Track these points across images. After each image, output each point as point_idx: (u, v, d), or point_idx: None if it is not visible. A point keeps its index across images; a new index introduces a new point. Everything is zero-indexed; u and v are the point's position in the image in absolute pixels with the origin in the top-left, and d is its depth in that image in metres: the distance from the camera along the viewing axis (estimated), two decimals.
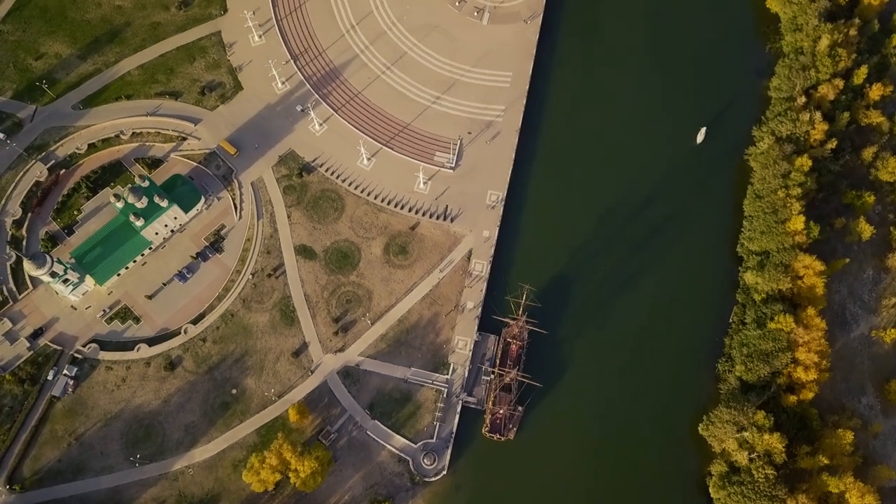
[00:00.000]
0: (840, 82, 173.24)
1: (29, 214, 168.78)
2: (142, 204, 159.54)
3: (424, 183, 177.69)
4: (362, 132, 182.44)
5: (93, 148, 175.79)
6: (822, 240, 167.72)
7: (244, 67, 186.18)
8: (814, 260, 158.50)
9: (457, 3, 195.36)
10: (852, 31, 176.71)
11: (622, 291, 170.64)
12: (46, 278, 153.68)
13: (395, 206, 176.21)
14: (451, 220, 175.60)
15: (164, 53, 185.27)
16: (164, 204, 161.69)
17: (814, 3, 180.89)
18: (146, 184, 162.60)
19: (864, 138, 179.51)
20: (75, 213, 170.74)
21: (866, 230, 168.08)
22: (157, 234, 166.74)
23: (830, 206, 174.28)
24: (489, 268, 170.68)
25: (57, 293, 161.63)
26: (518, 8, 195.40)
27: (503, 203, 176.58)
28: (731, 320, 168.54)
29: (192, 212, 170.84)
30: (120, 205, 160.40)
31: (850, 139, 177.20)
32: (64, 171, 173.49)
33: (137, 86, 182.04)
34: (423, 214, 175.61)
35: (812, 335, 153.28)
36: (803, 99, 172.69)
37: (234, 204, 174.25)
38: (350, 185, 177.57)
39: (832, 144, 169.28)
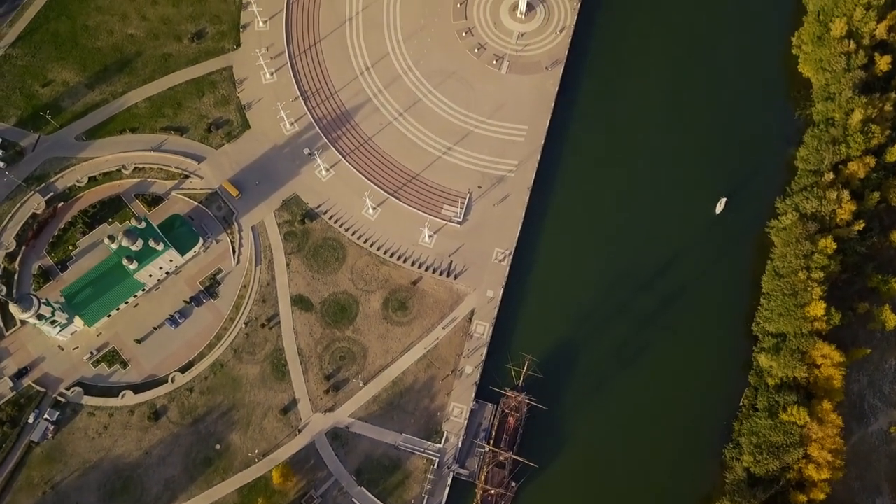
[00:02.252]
0: (871, 160, 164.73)
1: (23, 248, 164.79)
2: (136, 247, 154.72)
3: (430, 236, 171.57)
4: (370, 180, 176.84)
5: (93, 181, 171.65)
6: (844, 325, 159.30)
7: (253, 105, 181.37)
8: (833, 350, 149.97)
9: (476, 50, 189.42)
10: (887, 107, 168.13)
11: (628, 365, 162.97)
12: (33, 320, 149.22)
13: (398, 258, 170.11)
14: (455, 278, 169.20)
15: (173, 86, 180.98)
16: (159, 248, 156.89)
17: (848, 73, 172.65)
18: (143, 225, 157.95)
19: (893, 218, 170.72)
20: (70, 248, 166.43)
21: (891, 319, 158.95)
22: (151, 276, 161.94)
23: (854, 288, 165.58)
24: (491, 330, 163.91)
25: (43, 332, 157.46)
26: (539, 57, 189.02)
27: (510, 263, 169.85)
28: (741, 403, 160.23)
29: (189, 254, 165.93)
30: (114, 246, 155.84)
31: (878, 218, 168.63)
32: (62, 203, 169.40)
33: (144, 119, 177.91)
34: (426, 269, 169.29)
35: (827, 431, 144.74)
36: (831, 175, 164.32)
37: (233, 248, 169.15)
38: (353, 234, 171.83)
39: (859, 226, 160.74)
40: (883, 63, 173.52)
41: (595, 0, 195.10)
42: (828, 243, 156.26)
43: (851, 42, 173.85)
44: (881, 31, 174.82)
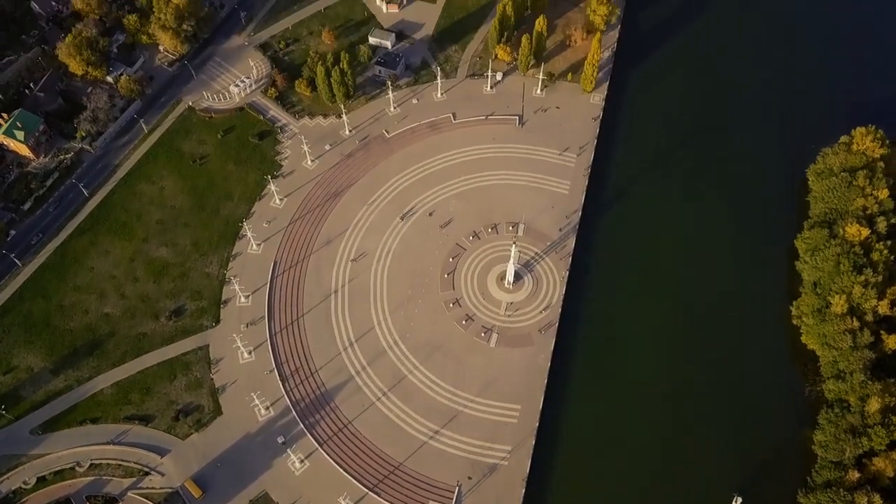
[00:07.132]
0: None
1: None
2: None
3: None
4: (347, 473, 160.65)
5: (42, 482, 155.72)
6: None
7: (227, 388, 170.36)
8: None
9: (463, 322, 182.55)
10: None
11: None
12: None
13: None
14: None
15: (143, 369, 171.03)
16: None
17: (856, 352, 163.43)
18: None
19: None
20: None
21: None
22: None
23: None
24: None
25: None
26: (528, 329, 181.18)
27: None
28: None
29: None
30: None
31: None
32: None
33: (108, 407, 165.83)
34: None
35: None
36: (856, 474, 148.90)
37: None
38: None
39: None
40: (891, 342, 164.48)
41: (583, 265, 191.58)
42: None
43: (854, 319, 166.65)
44: (884, 307, 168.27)
